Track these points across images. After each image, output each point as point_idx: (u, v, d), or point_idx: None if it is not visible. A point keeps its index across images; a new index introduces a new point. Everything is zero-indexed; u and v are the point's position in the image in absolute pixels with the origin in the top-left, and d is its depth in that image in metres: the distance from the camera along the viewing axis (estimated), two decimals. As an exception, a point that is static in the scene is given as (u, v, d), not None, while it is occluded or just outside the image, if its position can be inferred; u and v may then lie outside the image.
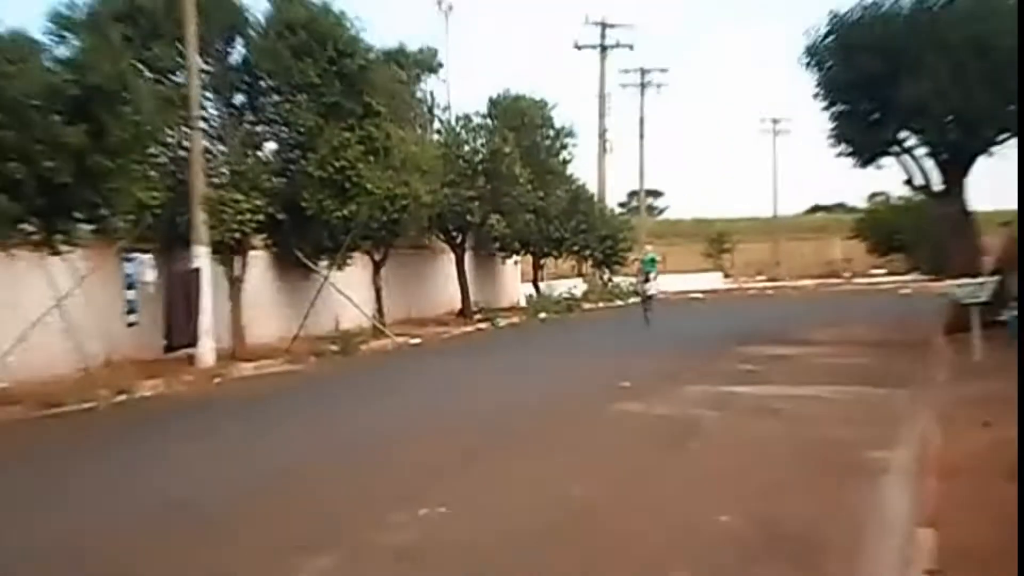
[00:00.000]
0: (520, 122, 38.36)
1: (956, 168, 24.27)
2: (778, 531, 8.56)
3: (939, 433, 11.81)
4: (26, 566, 8.16)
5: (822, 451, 11.90)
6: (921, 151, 24.65)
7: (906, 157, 24.98)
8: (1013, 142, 22.38)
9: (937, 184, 24.73)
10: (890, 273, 58.42)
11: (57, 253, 17.22)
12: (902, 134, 24.36)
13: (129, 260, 21.15)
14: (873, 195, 73.86)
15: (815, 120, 27.98)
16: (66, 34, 20.87)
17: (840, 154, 25.77)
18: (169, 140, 22.17)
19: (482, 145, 36.14)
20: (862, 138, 24.96)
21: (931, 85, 21.06)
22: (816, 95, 25.28)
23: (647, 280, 33.67)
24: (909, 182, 25.68)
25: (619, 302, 46.75)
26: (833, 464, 11.15)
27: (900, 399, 15.38)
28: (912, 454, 11.29)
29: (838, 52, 24.10)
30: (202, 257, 22.18)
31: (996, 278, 20.09)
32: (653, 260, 34.96)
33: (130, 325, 21.31)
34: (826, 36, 24.50)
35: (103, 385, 18.03)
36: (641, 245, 43.87)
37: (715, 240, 71.91)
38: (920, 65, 21.35)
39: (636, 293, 36.03)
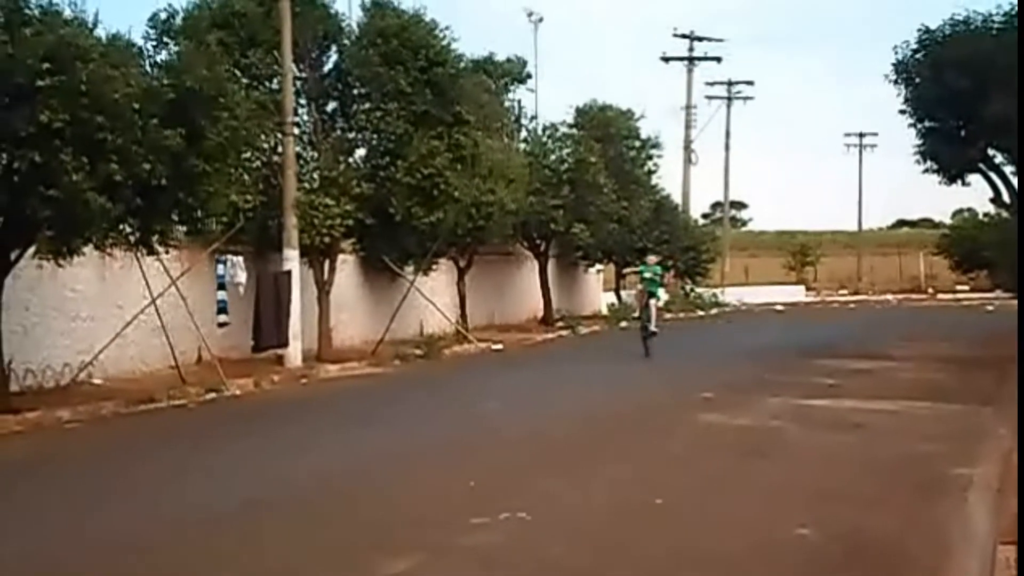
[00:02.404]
0: (606, 132, 38.34)
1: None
2: (858, 545, 8.42)
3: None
4: (113, 556, 8.20)
5: (903, 466, 11.72)
6: (1008, 168, 24.31)
7: (993, 174, 24.66)
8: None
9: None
10: (974, 290, 57.15)
11: (153, 253, 17.39)
12: (989, 151, 24.06)
13: (221, 262, 21.36)
14: (958, 211, 72.70)
15: (902, 135, 27.54)
16: (165, 39, 21.18)
17: (927, 170, 25.67)
18: (263, 145, 22.43)
19: (568, 154, 36.11)
20: (949, 155, 24.74)
21: (1018, 102, 20.65)
22: (903, 111, 25.08)
23: (648, 302, 25.25)
24: (995, 199, 25.43)
25: (701, 312, 46.31)
26: (914, 479, 10.95)
27: (983, 416, 15.09)
28: (995, 471, 11.05)
29: (927, 68, 23.91)
30: (292, 260, 22.39)
31: None
32: (656, 274, 26.10)
33: (221, 325, 21.51)
34: (915, 52, 24.35)
35: (194, 383, 18.27)
36: (722, 256, 42.92)
37: (798, 253, 70.68)
38: (1008, 82, 20.89)
39: (637, 319, 26.84)
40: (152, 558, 8.14)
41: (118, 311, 19.35)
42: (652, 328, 24.72)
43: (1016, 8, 21.23)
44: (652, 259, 27.36)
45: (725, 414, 15.51)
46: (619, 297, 43.84)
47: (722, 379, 20.05)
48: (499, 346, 28.81)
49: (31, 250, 15.65)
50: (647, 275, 25.61)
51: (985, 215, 55.45)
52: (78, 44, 14.15)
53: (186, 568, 7.98)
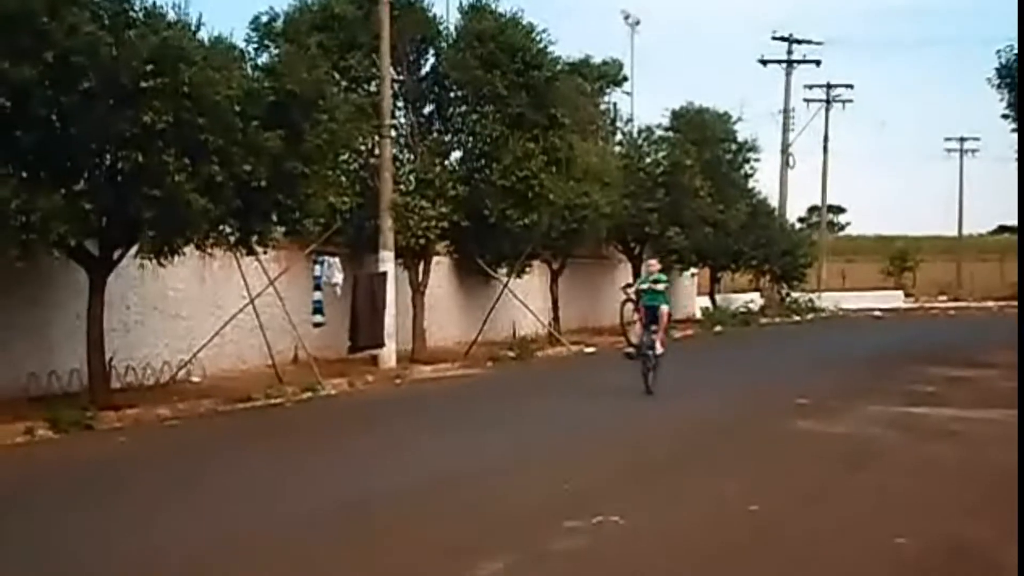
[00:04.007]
0: (702, 135, 38.02)
1: None
2: (957, 554, 8.38)
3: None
4: (204, 553, 8.23)
5: (1000, 477, 11.40)
6: None
7: None
8: None
9: None
10: None
11: (252, 253, 17.57)
12: None
13: (318, 262, 21.44)
14: None
15: (1005, 139, 27.15)
16: (266, 42, 21.36)
17: None
18: (360, 147, 22.50)
19: (663, 157, 35.94)
20: None
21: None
22: (1006, 115, 24.70)
23: (655, 320, 18.12)
24: None
25: (796, 317, 45.85)
26: (1012, 490, 10.45)
27: None
28: None
29: None
30: (388, 261, 22.43)
31: None
32: (661, 283, 18.57)
33: (317, 325, 21.58)
34: (1019, 56, 23.72)
35: (290, 382, 18.40)
36: (819, 261, 41.87)
37: (896, 258, 69.56)
38: None
39: (629, 342, 19.41)
40: (262, 555, 8.22)
41: (217, 310, 19.55)
42: (658, 351, 17.96)
43: None
44: (654, 264, 19.68)
45: (822, 421, 15.34)
46: (713, 301, 43.65)
47: (819, 385, 19.82)
48: (591, 349, 28.60)
49: (133, 249, 15.81)
50: (645, 286, 18.54)
51: None
52: (181, 46, 14.29)
53: (296, 562, 8.07)
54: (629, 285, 19.28)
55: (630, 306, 18.80)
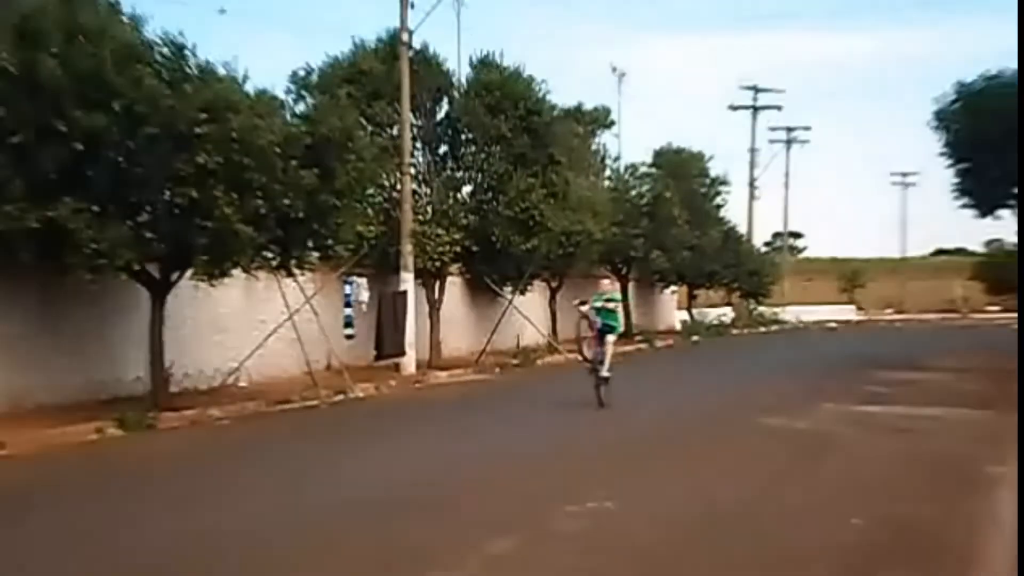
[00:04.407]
0: (680, 171, 38.31)
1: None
2: (903, 533, 8.44)
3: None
4: (261, 528, 8.40)
5: (942, 465, 11.61)
6: None
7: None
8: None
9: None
10: (1004, 310, 55.30)
11: (291, 275, 17.58)
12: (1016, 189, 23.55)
13: (348, 283, 21.66)
14: (990, 241, 70.30)
15: (941, 174, 27.33)
16: (303, 93, 21.53)
17: (963, 205, 25.48)
18: (384, 183, 22.67)
19: (647, 190, 36.24)
20: (983, 193, 24.66)
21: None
22: (943, 153, 24.88)
23: (603, 340, 16.70)
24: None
25: (763, 328, 46.01)
26: (952, 477, 10.87)
27: (1012, 421, 14.41)
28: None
29: (963, 117, 23.86)
30: (408, 282, 22.60)
31: None
32: (613, 301, 17.40)
33: (347, 337, 21.78)
34: (953, 103, 24.25)
35: (324, 386, 18.45)
36: (781, 280, 42.02)
37: (849, 278, 70.14)
38: None
39: (583, 356, 17.67)
40: (305, 532, 8.33)
41: (260, 324, 19.68)
42: (604, 372, 16.51)
43: None
44: (606, 284, 19.16)
45: (785, 418, 15.33)
46: (691, 315, 43.71)
47: (782, 386, 19.94)
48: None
49: (189, 272, 15.84)
50: (598, 304, 16.91)
51: (1014, 245, 53.75)
52: (230, 98, 14.43)
53: (333, 535, 8.18)
54: (584, 303, 17.26)
55: (585, 323, 17.14)
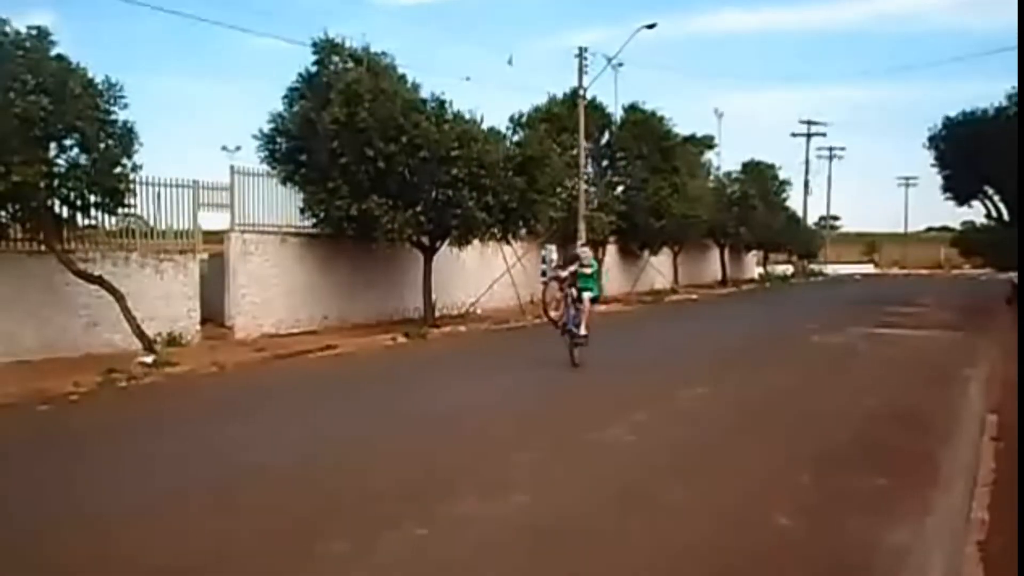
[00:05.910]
0: (759, 176, 36.89)
1: (1014, 209, 22.61)
2: (901, 411, 8.18)
3: (1002, 360, 10.98)
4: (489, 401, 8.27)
5: (929, 368, 11.07)
6: (996, 198, 23.79)
7: (987, 201, 24.20)
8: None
9: (1006, 217, 23.69)
10: (973, 267, 50.60)
11: (509, 244, 17.70)
12: (986, 188, 23.62)
13: (544, 249, 21.50)
14: (965, 222, 64.23)
15: (932, 176, 26.29)
16: (517, 127, 21.44)
17: (947, 198, 25.12)
18: (567, 185, 22.25)
19: (737, 189, 34.77)
20: (961, 191, 24.45)
21: (1003, 164, 19.29)
22: (933, 164, 24.55)
23: (578, 300, 10.79)
24: (988, 215, 24.73)
25: (812, 279, 43.80)
26: (936, 375, 10.39)
27: (979, 339, 14.14)
28: (986, 371, 10.48)
29: (948, 141, 23.51)
30: (582, 247, 22.21)
31: None
32: (587, 268, 11.04)
33: (544, 284, 21.60)
34: (941, 130, 23.89)
35: (528, 314, 18.45)
36: (824, 247, 39.43)
37: (869, 245, 67.68)
38: (995, 150, 19.96)
39: (548, 318, 11.51)
40: (491, 408, 8.16)
41: (489, 274, 19.80)
42: (581, 332, 10.76)
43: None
44: (584, 250, 11.81)
45: (825, 335, 14.78)
46: (765, 270, 42.39)
47: (823, 316, 19.04)
48: (695, 296, 27.66)
49: (446, 242, 16.01)
50: (574, 268, 10.98)
51: (982, 224, 49.08)
52: (472, 132, 14.55)
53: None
54: (560, 266, 11.82)
55: (554, 285, 11.38)
